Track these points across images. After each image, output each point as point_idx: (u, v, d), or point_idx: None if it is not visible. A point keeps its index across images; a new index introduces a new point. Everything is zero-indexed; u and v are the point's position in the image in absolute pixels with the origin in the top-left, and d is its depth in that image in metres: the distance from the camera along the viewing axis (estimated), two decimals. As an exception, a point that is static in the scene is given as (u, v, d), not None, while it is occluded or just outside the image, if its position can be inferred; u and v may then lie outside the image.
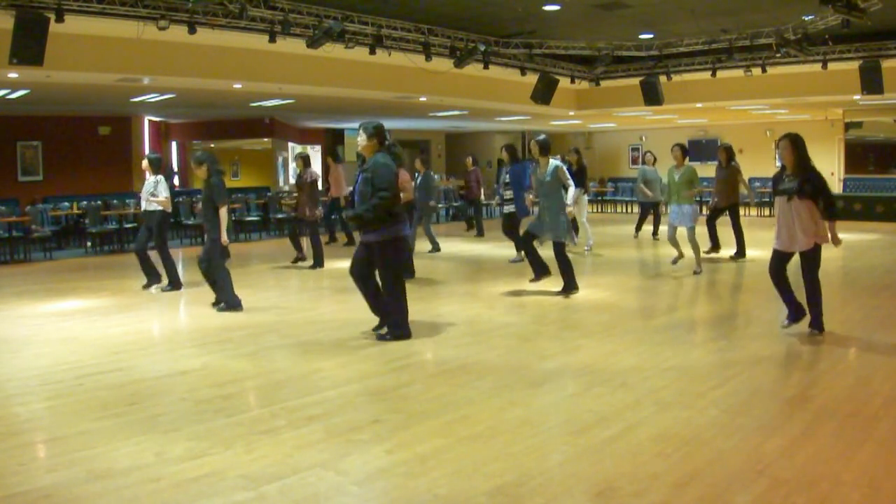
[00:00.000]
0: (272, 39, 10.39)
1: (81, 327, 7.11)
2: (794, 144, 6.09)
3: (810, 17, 11.62)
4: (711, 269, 10.69)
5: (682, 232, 9.62)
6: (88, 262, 12.31)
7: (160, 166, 9.07)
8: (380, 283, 6.37)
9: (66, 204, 14.57)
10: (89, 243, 13.65)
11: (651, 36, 13.73)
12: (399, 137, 26.02)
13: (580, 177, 12.36)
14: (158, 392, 5.02)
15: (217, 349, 6.14)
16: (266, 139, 20.67)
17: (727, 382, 5.02)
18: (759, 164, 21.74)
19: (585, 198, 12.68)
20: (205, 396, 4.86)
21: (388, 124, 23.97)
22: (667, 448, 3.85)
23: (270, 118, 19.74)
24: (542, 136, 8.44)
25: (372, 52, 11.61)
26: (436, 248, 12.40)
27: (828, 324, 6.16)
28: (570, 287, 8.30)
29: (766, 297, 8.75)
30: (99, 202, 14.14)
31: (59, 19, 8.70)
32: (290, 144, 23.00)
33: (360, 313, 7.59)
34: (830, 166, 21.04)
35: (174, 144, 21.56)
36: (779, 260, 6.32)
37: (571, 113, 18.98)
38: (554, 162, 8.23)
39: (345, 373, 5.39)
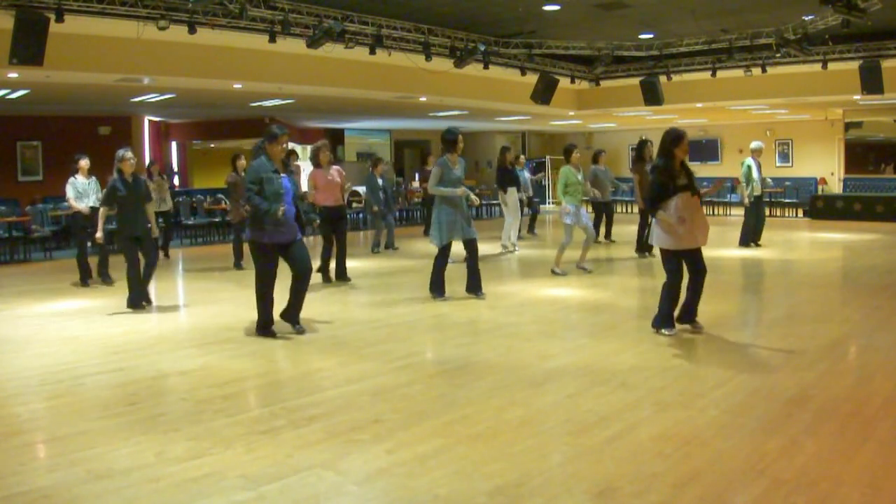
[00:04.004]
0: (272, 39, 10.40)
1: (81, 327, 7.11)
2: None
3: (810, 17, 11.64)
4: (712, 268, 10.67)
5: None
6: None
7: None
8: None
9: (66, 204, 14.52)
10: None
11: (651, 36, 13.74)
12: (399, 137, 26.00)
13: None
14: (158, 392, 5.02)
15: (217, 349, 6.14)
16: (266, 139, 20.64)
17: (727, 382, 5.02)
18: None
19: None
20: (205, 396, 4.86)
21: (389, 124, 23.95)
22: (667, 448, 3.85)
23: (270, 118, 19.73)
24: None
25: (372, 52, 11.61)
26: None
27: (827, 323, 6.11)
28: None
29: (765, 296, 8.76)
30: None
31: (59, 19, 8.70)
32: (290, 144, 22.97)
33: (359, 313, 7.60)
34: (830, 166, 21.06)
35: (174, 144, 21.54)
36: None
37: (571, 113, 18.98)
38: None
39: (345, 373, 5.39)
